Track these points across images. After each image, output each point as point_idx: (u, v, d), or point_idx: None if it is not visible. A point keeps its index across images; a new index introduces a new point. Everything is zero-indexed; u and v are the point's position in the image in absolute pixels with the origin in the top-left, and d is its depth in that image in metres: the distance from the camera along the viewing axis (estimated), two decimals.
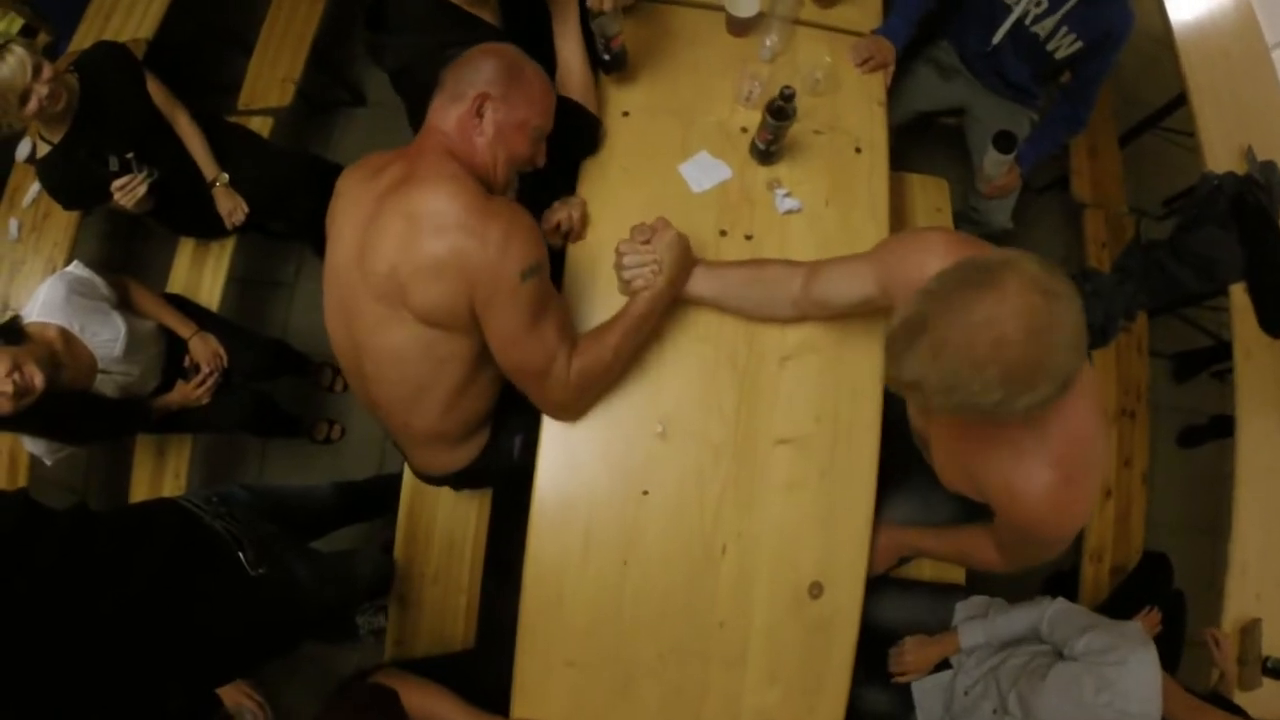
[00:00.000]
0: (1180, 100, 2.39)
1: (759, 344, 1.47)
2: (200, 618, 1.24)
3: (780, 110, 1.44)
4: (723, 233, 1.54)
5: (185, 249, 2.33)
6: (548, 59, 1.50)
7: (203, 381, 2.00)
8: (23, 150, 2.35)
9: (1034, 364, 0.82)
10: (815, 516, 1.41)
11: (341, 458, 2.62)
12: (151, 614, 1.15)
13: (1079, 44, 1.92)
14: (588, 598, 1.37)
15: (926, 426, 1.30)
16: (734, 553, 1.39)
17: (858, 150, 1.65)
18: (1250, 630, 1.86)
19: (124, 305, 1.91)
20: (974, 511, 1.38)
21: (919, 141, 2.28)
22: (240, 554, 1.35)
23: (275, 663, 1.41)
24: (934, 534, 1.49)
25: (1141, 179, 2.77)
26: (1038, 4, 1.91)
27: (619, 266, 1.35)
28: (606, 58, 1.55)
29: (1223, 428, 2.46)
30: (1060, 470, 1.00)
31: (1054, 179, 2.76)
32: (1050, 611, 1.44)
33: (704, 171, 1.57)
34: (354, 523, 2.13)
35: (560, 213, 1.50)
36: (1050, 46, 1.97)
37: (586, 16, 1.48)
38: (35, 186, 2.28)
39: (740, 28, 1.70)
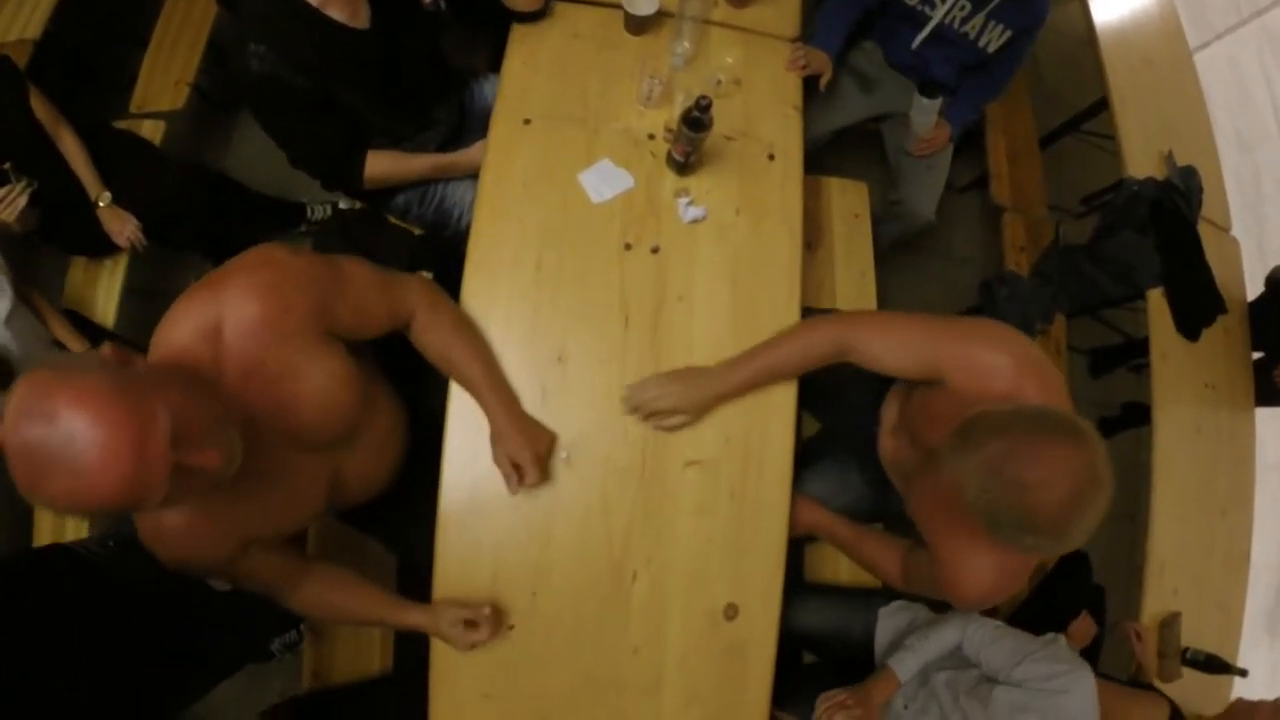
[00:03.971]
0: (1102, 104, 2.40)
1: (664, 363, 1.42)
2: (95, 667, 1.16)
3: (696, 121, 1.38)
4: (627, 246, 1.47)
5: (78, 264, 2.19)
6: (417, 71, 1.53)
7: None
8: None
9: (1059, 524, 0.91)
10: (727, 538, 1.37)
11: None
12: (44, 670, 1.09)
13: (1009, 33, 1.95)
14: (498, 638, 1.31)
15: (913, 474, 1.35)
16: (645, 578, 1.35)
17: (770, 157, 1.59)
18: (1169, 624, 1.90)
19: (22, 301, 1.82)
20: (882, 501, 1.56)
21: (833, 145, 2.25)
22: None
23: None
24: (849, 529, 1.51)
25: (1061, 178, 2.79)
26: (961, 7, 1.92)
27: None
28: None
29: (1137, 416, 2.49)
30: (1003, 578, 1.16)
31: (974, 179, 2.77)
32: (970, 631, 1.42)
33: (605, 180, 1.50)
34: None
35: None
36: (982, 42, 1.99)
37: None
38: None
39: (638, 26, 1.62)
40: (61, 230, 2.06)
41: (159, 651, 1.30)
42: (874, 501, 1.56)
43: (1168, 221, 2.05)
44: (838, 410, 1.61)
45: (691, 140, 1.42)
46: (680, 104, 1.48)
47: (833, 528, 1.52)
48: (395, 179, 1.66)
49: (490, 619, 1.25)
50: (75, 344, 1.90)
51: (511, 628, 1.32)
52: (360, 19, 1.39)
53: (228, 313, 0.98)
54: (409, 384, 1.45)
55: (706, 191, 1.54)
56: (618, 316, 1.43)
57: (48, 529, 1.98)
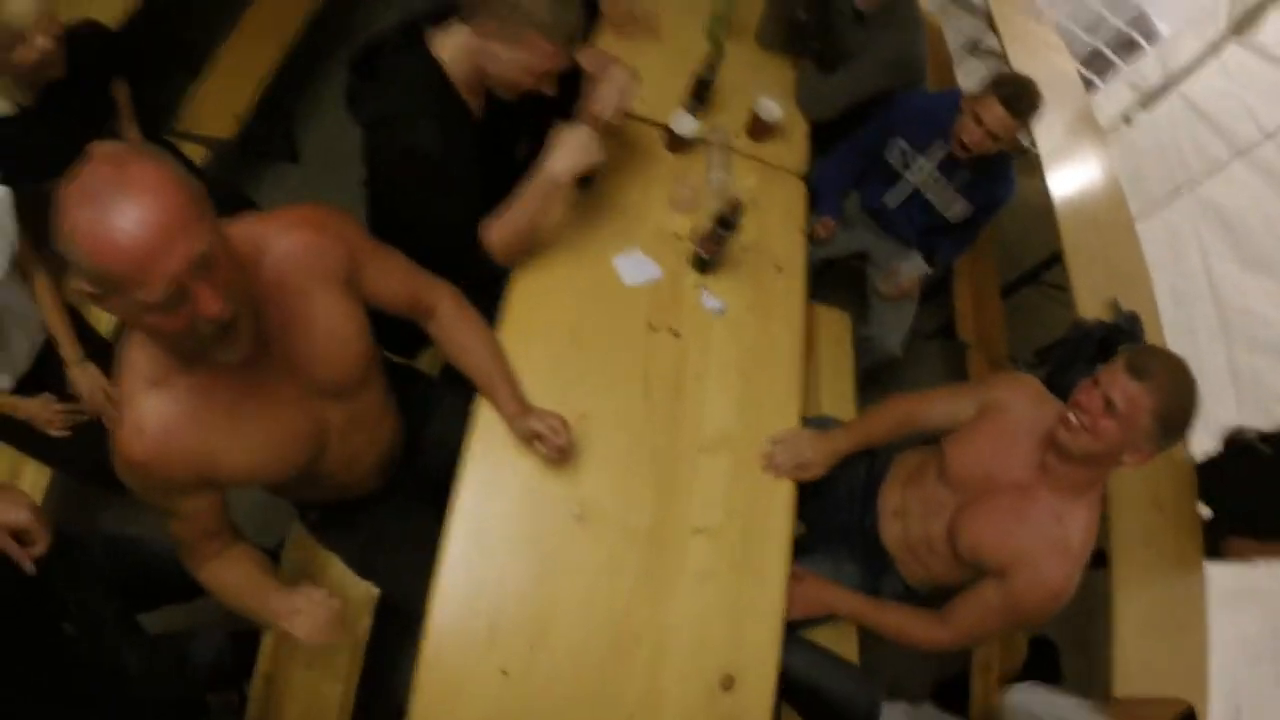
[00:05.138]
0: (1055, 258, 2.75)
1: (678, 434, 1.52)
2: None
3: (728, 221, 1.58)
4: (651, 327, 1.62)
5: None
6: (505, 173, 1.58)
7: (71, 412, 1.73)
8: None
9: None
10: (727, 608, 1.41)
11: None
12: None
13: (970, 208, 2.22)
14: (490, 689, 1.28)
15: (907, 499, 1.61)
16: (645, 642, 1.36)
17: (778, 269, 1.80)
18: None
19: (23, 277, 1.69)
20: (874, 589, 1.66)
21: (820, 279, 2.51)
22: (63, 623, 1.21)
23: None
24: (869, 601, 1.59)
25: (1018, 331, 3.09)
26: (935, 179, 2.22)
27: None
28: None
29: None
30: (1077, 568, 1.35)
31: (939, 326, 3.06)
32: None
33: (637, 267, 1.67)
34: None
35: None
36: (944, 212, 2.27)
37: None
38: None
39: (677, 145, 1.88)
40: None
41: (71, 684, 1.22)
42: (870, 589, 1.64)
43: (1114, 357, 2.29)
44: (829, 505, 1.71)
45: (720, 238, 1.61)
46: (707, 213, 1.70)
47: (851, 602, 1.58)
48: (517, 232, 1.58)
49: (331, 605, 1.19)
50: (69, 350, 1.76)
51: (505, 674, 1.30)
52: (479, 112, 1.52)
53: (271, 233, 1.09)
54: (413, 406, 1.51)
55: (723, 291, 1.72)
56: (639, 387, 1.55)
57: None
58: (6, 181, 1.80)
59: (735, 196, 1.59)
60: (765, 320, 1.71)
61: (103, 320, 2.04)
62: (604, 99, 1.55)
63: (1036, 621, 1.40)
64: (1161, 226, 3.26)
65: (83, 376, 1.76)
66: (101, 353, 1.84)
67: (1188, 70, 3.53)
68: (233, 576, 1.25)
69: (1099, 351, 2.29)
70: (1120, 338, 2.32)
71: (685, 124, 1.82)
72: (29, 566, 1.19)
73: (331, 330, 1.15)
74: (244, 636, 1.73)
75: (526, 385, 1.47)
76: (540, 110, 1.55)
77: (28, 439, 1.77)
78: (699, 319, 1.66)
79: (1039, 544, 1.36)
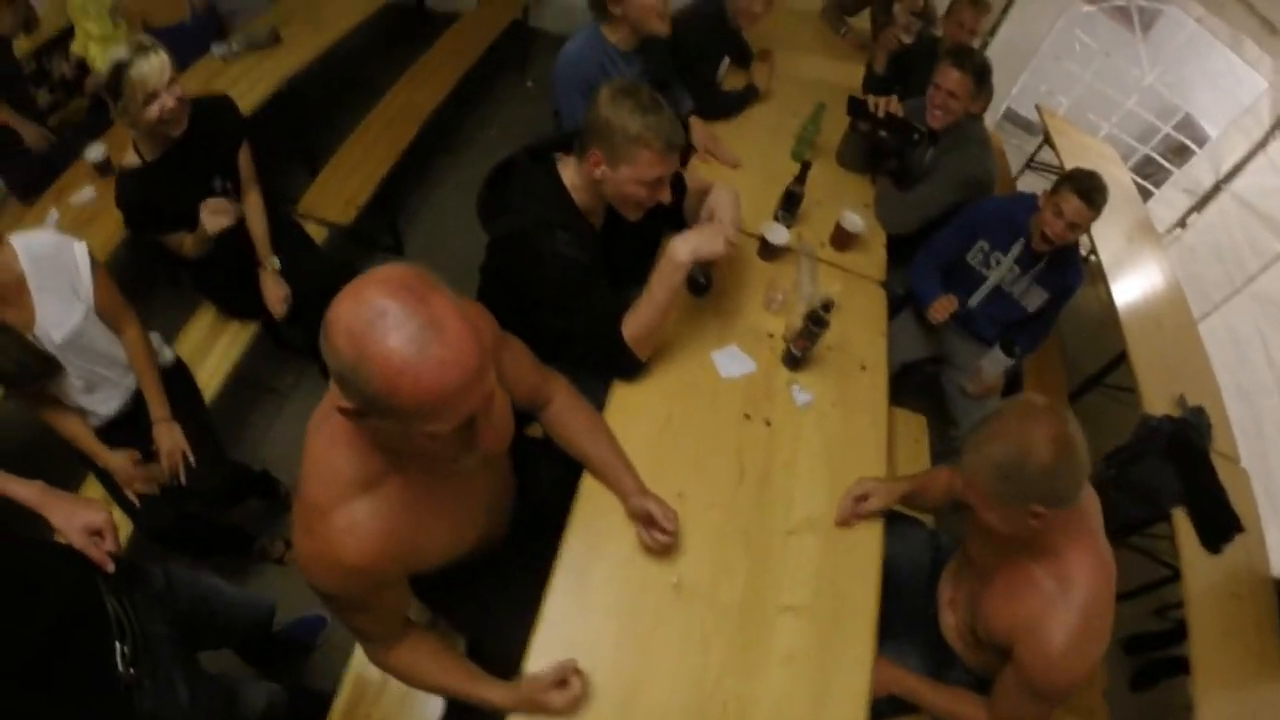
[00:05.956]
0: (1119, 360, 2.86)
1: (769, 516, 1.64)
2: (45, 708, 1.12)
3: (820, 318, 1.76)
4: (746, 416, 1.78)
5: (205, 316, 2.37)
6: (622, 274, 1.76)
7: (147, 477, 1.79)
8: (94, 153, 2.40)
9: (1056, 462, 1.24)
10: (811, 687, 1.46)
11: (290, 581, 2.33)
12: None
13: (1046, 295, 2.39)
14: None
15: (957, 589, 1.62)
16: (732, 715, 1.40)
17: (862, 368, 1.96)
18: None
19: (110, 326, 1.75)
20: (939, 680, 1.68)
21: (896, 383, 2.61)
22: (118, 643, 1.24)
23: None
24: (929, 683, 1.63)
25: (1085, 435, 3.13)
26: (1014, 274, 2.40)
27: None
28: (702, 280, 1.90)
29: (1174, 667, 2.59)
30: (1082, 619, 1.29)
31: None
32: None
33: (733, 361, 1.85)
34: (269, 665, 1.98)
35: None
36: (1024, 302, 2.43)
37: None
38: (88, 191, 2.34)
39: (769, 254, 2.08)
40: (214, 276, 2.18)
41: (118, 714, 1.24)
42: (933, 678, 1.67)
43: (1184, 450, 2.37)
44: (895, 590, 1.77)
45: (812, 335, 1.78)
46: (797, 313, 1.88)
47: (914, 683, 1.62)
48: (649, 325, 1.69)
49: (577, 672, 1.26)
50: (157, 407, 1.82)
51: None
52: (598, 225, 1.72)
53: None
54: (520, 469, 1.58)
55: (811, 385, 1.87)
56: (734, 471, 1.69)
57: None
58: (138, 223, 2.03)
59: (827, 296, 1.77)
60: (851, 414, 1.85)
61: (204, 371, 2.17)
62: (722, 203, 1.72)
63: (1059, 691, 1.35)
64: (1222, 325, 3.35)
65: (165, 435, 1.83)
66: (188, 414, 1.89)
67: (1237, 169, 3.65)
68: (426, 662, 1.28)
69: (1168, 445, 2.36)
70: (1188, 430, 2.39)
71: (777, 234, 2.03)
72: (110, 566, 1.27)
73: (501, 399, 1.21)
74: (303, 693, 1.79)
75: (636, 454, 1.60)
76: (652, 224, 1.76)
77: (112, 484, 1.86)
78: (789, 411, 1.81)
79: (1034, 608, 1.34)
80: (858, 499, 1.65)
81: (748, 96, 2.74)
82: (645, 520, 1.50)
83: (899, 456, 2.37)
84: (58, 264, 1.60)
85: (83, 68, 2.95)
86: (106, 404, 1.81)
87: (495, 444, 0.94)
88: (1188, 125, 4.31)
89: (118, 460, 1.79)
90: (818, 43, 3.53)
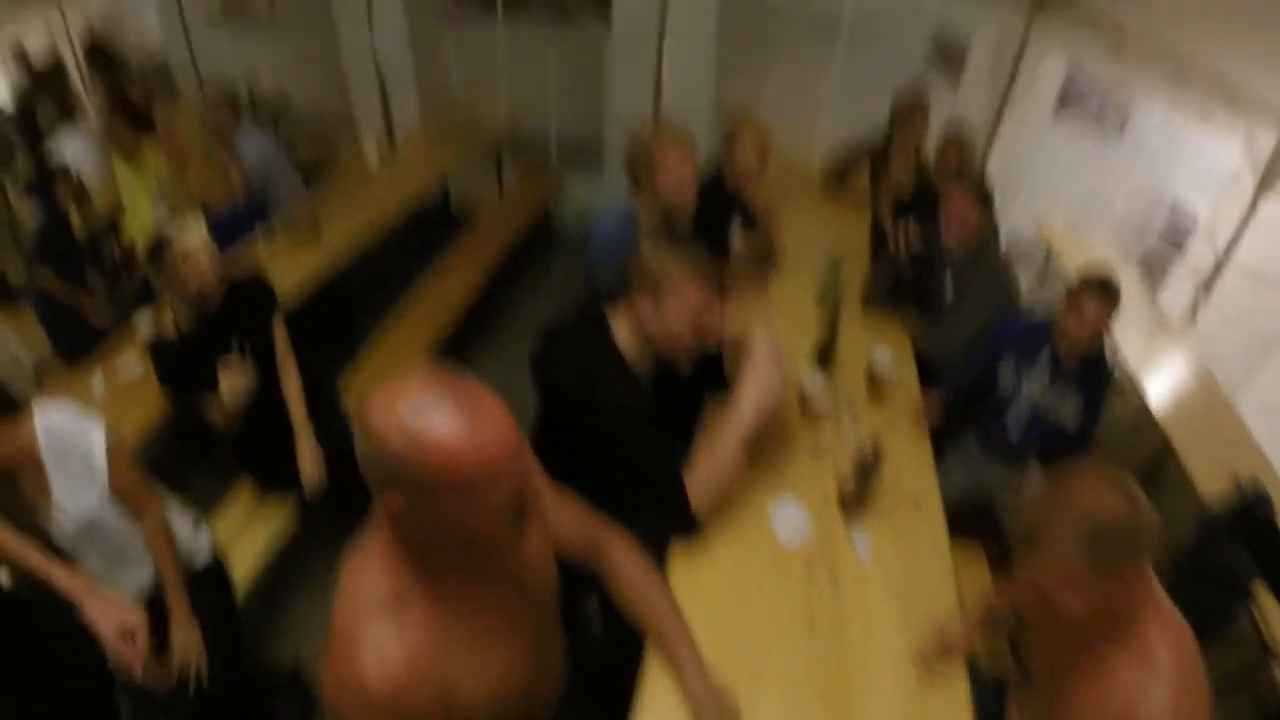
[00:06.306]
0: (1160, 457, 2.85)
1: (847, 671, 1.58)
2: None
3: (868, 465, 1.81)
4: (809, 570, 1.77)
5: (242, 495, 2.38)
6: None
7: (151, 673, 1.61)
8: (142, 324, 2.53)
9: (1131, 515, 1.21)
10: None
11: None
12: None
13: (1080, 398, 2.40)
14: None
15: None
16: None
17: (916, 505, 1.97)
18: None
19: (127, 512, 1.69)
20: None
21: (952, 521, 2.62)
22: None
23: None
24: None
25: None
26: (1045, 389, 2.43)
27: None
28: None
29: None
30: (1176, 686, 1.23)
31: None
32: None
33: (792, 524, 1.85)
34: None
35: None
36: (1061, 417, 2.44)
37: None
38: (134, 364, 2.44)
39: (808, 403, 2.16)
40: (250, 446, 2.23)
41: None
42: None
43: (1251, 524, 2.31)
44: None
45: (864, 481, 1.82)
46: (846, 458, 1.93)
47: None
48: (718, 485, 1.75)
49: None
50: (175, 604, 1.72)
51: None
52: (647, 378, 1.79)
53: None
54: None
55: (868, 528, 1.88)
56: (805, 629, 1.64)
57: None
58: (173, 385, 2.12)
59: (873, 443, 1.82)
60: (912, 555, 1.84)
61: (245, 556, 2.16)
62: (761, 344, 1.79)
63: None
64: (1256, 397, 3.35)
65: (182, 633, 1.74)
66: (212, 618, 1.81)
67: (1234, 240, 3.65)
68: None
69: (1235, 524, 2.32)
70: (1253, 506, 2.35)
71: (814, 381, 2.12)
72: (139, 669, 1.28)
73: (540, 542, 1.21)
74: None
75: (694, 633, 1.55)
76: (697, 383, 1.84)
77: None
78: (851, 561, 1.81)
79: (1123, 697, 1.25)
80: (942, 649, 1.62)
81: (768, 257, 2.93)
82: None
83: (964, 589, 2.33)
84: (73, 443, 1.59)
85: (133, 255, 3.22)
86: (129, 583, 1.76)
87: (539, 545, 0.99)
88: (1177, 212, 4.45)
89: (131, 647, 1.49)
90: (822, 198, 3.87)
